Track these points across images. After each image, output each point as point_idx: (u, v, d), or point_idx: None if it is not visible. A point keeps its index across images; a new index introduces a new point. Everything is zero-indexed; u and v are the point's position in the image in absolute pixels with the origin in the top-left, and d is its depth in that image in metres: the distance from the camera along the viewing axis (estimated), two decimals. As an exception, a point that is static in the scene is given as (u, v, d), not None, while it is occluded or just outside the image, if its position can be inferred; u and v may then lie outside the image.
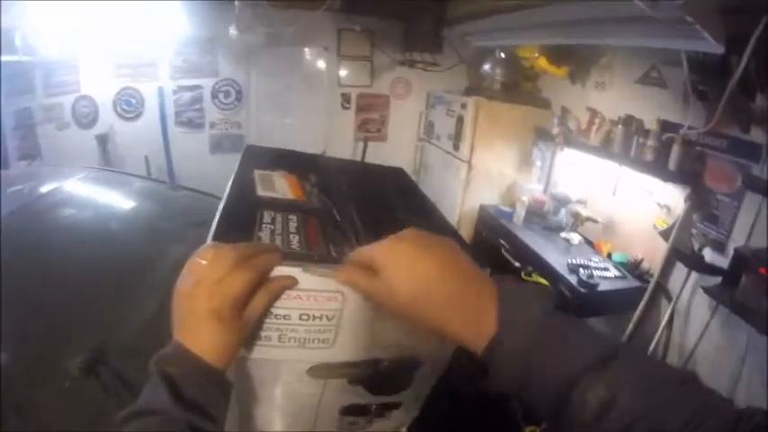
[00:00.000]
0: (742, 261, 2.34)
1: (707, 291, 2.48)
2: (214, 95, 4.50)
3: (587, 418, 0.47)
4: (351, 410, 0.81)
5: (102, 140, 4.37)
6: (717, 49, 1.99)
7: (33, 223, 1.82)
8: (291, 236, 0.71)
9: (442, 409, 1.02)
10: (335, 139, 4.77)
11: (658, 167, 2.88)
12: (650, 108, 3.05)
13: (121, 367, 1.19)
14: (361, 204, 0.87)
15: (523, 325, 0.51)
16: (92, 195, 2.35)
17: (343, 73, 4.68)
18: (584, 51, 3.45)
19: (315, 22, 4.26)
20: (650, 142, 2.95)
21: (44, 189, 2.18)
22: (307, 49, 4.49)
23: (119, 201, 2.40)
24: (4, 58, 3.62)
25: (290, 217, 0.76)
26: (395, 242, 0.58)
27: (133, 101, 4.39)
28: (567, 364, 0.49)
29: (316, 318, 0.64)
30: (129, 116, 4.42)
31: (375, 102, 4.82)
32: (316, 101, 4.62)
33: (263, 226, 0.72)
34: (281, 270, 0.61)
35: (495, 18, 2.99)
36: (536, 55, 3.45)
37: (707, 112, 2.64)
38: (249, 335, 0.63)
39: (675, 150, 2.78)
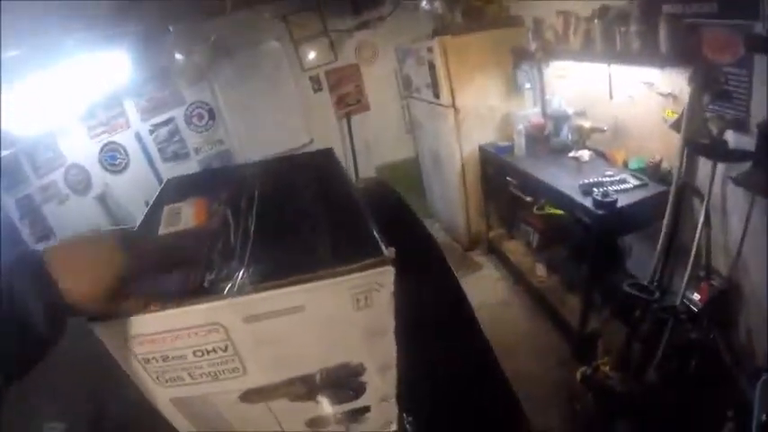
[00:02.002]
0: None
1: (736, 181, 2.08)
2: (188, 122, 4.29)
3: None
4: (318, 422, 0.79)
5: (102, 200, 4.28)
6: None
7: None
8: (174, 274, 0.64)
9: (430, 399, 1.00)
10: (318, 124, 4.48)
11: (649, 55, 2.44)
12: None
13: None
14: (268, 210, 0.80)
15: None
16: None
17: (304, 57, 4.31)
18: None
19: (256, 18, 3.92)
20: (633, 28, 2.49)
21: None
22: (259, 47, 4.14)
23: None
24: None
25: (178, 251, 0.71)
26: None
27: (117, 154, 4.25)
28: None
29: (210, 352, 0.62)
30: (118, 169, 4.29)
31: (345, 74, 4.46)
32: (285, 93, 4.31)
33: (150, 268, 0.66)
34: (152, 317, 0.58)
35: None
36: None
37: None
38: (164, 377, 0.64)
39: (663, 29, 2.33)
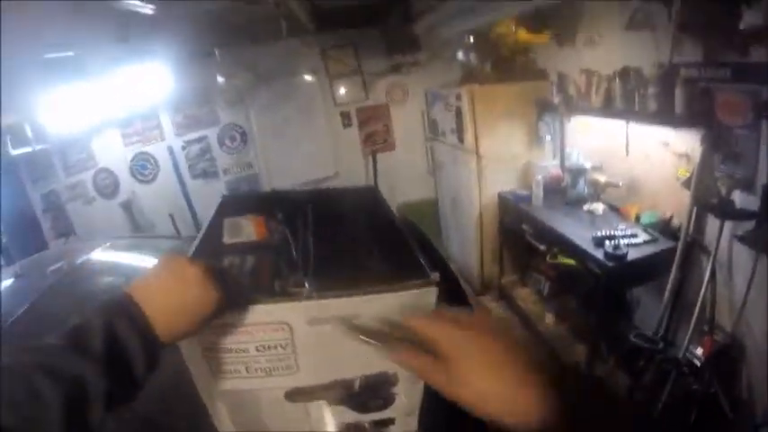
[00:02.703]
0: (772, 198, 2.05)
1: (741, 239, 2.19)
2: (221, 142, 4.57)
3: None
4: (346, 429, 0.84)
5: (127, 207, 4.54)
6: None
7: (64, 297, 1.91)
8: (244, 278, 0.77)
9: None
10: (345, 158, 4.71)
11: (665, 115, 2.61)
12: (645, 54, 2.76)
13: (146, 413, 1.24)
14: (323, 232, 0.91)
15: (572, 417, 0.51)
16: (119, 261, 2.48)
17: (337, 92, 4.60)
18: (560, 11, 3.20)
19: (296, 50, 4.24)
20: (651, 90, 2.68)
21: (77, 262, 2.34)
22: (296, 78, 4.44)
23: (142, 262, 2.48)
24: (20, 150, 3.80)
25: (247, 258, 0.82)
26: (468, 331, 0.56)
27: (147, 164, 4.53)
28: None
29: (271, 348, 0.70)
30: (146, 179, 4.57)
31: (375, 113, 4.72)
32: (317, 125, 4.57)
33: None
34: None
35: (449, 3, 2.80)
36: (514, 28, 3.22)
37: (702, 45, 2.37)
38: (222, 369, 0.72)
39: (679, 92, 2.50)
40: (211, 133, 4.54)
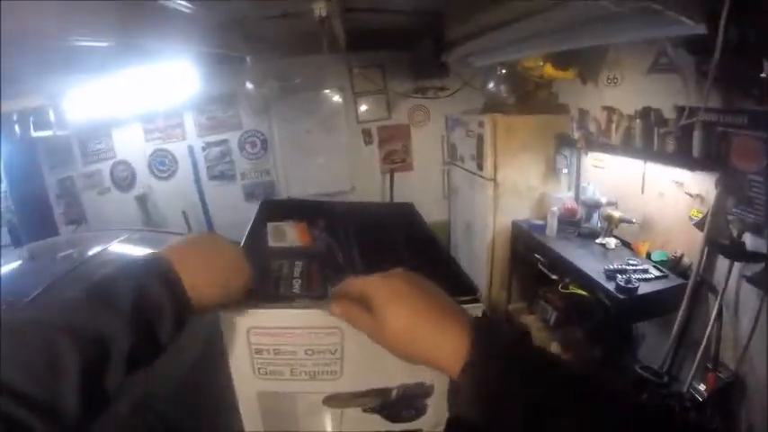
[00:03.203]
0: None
1: (750, 280, 2.33)
2: (241, 147, 4.72)
3: None
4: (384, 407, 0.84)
5: (142, 201, 4.65)
6: (698, 29, 1.92)
7: (80, 285, 1.93)
8: (294, 280, 0.79)
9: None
10: (362, 174, 4.86)
11: (683, 157, 2.77)
12: (667, 96, 2.93)
13: (165, 412, 1.28)
14: (365, 244, 0.93)
15: (495, 352, 0.54)
16: (134, 255, 2.50)
17: (360, 109, 4.79)
18: (587, 50, 3.40)
19: (325, 66, 4.41)
20: (670, 131, 2.85)
21: (91, 252, 2.38)
22: (322, 92, 4.64)
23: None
24: (41, 133, 3.93)
25: (296, 263, 0.83)
26: (385, 278, 0.62)
27: (166, 161, 4.66)
28: (534, 389, 0.51)
29: (320, 352, 0.71)
30: (164, 175, 4.69)
31: (396, 133, 4.89)
32: (338, 140, 4.73)
33: (272, 273, 0.79)
34: (283, 312, 0.69)
35: (486, 36, 2.99)
36: (541, 63, 3.42)
37: (723, 92, 2.55)
38: (266, 370, 0.73)
39: (697, 136, 2.66)
40: (233, 137, 4.69)
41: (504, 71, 3.97)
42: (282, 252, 0.87)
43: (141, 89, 4.08)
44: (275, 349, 0.71)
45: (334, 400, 0.77)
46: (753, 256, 2.38)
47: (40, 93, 3.65)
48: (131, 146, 4.63)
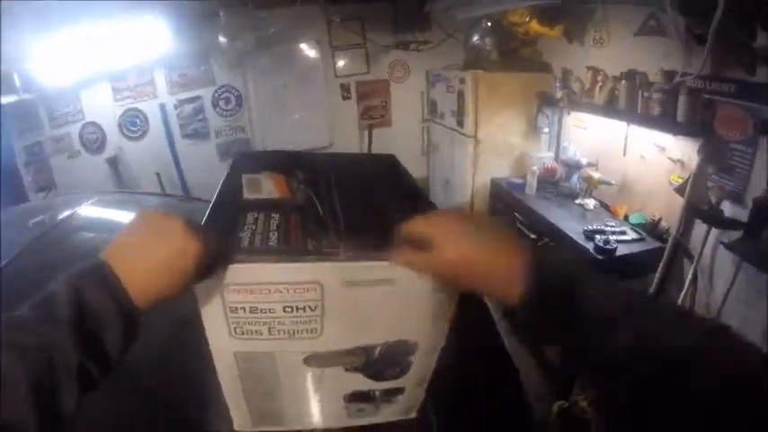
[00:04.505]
0: (762, 211, 2.21)
1: (728, 246, 2.35)
2: (215, 104, 4.51)
3: (621, 358, 0.55)
4: (355, 397, 0.84)
5: (113, 163, 4.45)
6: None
7: (51, 250, 1.83)
8: (271, 233, 0.71)
9: (453, 391, 1.05)
10: (340, 130, 4.72)
11: (666, 121, 2.75)
12: (653, 59, 2.88)
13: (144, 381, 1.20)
14: (346, 195, 0.87)
15: (557, 273, 0.60)
16: (106, 217, 2.35)
17: (338, 63, 4.60)
18: (575, 8, 3.28)
19: (302, 18, 4.20)
20: (655, 95, 2.80)
21: (61, 216, 2.22)
22: (299, 45, 4.41)
23: (128, 218, 2.42)
24: (6, 98, 3.68)
25: (273, 215, 0.76)
26: (442, 217, 0.67)
27: (137, 120, 4.44)
28: (602, 305, 0.57)
29: (299, 309, 0.67)
30: (135, 136, 4.48)
31: (375, 88, 4.74)
32: (315, 95, 4.55)
33: (246, 227, 0.72)
34: (258, 266, 0.64)
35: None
36: (527, 19, 3.29)
37: (712, 59, 2.49)
38: (243, 329, 0.69)
39: (682, 101, 2.64)
40: (206, 94, 4.47)
41: (489, 24, 3.81)
42: (258, 204, 0.81)
43: (109, 47, 3.86)
44: (252, 307, 0.67)
45: (315, 360, 0.75)
46: (730, 224, 2.40)
47: (4, 56, 3.39)
48: (101, 107, 4.36)
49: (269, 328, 0.69)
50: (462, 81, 3.89)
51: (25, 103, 3.97)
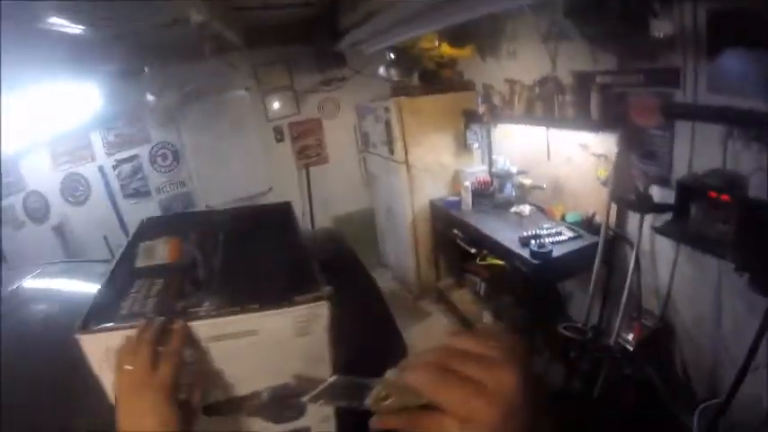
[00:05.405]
0: (687, 191, 1.98)
1: (659, 230, 2.12)
2: (152, 161, 4.12)
3: None
4: None
5: (60, 231, 4.02)
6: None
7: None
8: (150, 299, 0.71)
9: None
10: (278, 173, 4.35)
11: (583, 120, 2.55)
12: (563, 63, 2.71)
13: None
14: (230, 252, 0.86)
15: None
16: (52, 288, 2.14)
17: (269, 107, 4.27)
18: (482, 26, 3.07)
19: (227, 68, 3.90)
20: (569, 97, 2.60)
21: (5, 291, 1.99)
22: (228, 95, 4.07)
23: (75, 287, 2.16)
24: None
25: (157, 281, 0.76)
26: (482, 397, 0.38)
27: (79, 186, 4.03)
28: None
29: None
30: (78, 201, 4.06)
31: (307, 127, 4.39)
32: (249, 141, 4.18)
33: (130, 295, 0.72)
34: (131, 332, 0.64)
35: (372, 21, 2.59)
36: (436, 43, 3.05)
37: (616, 54, 2.30)
38: None
39: (594, 99, 2.44)
40: (143, 152, 4.07)
41: (392, 55, 3.56)
42: (147, 271, 0.80)
43: (42, 114, 3.50)
44: None
45: (212, 410, 0.72)
46: (659, 207, 2.19)
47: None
48: (41, 174, 3.94)
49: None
50: (387, 110, 3.63)
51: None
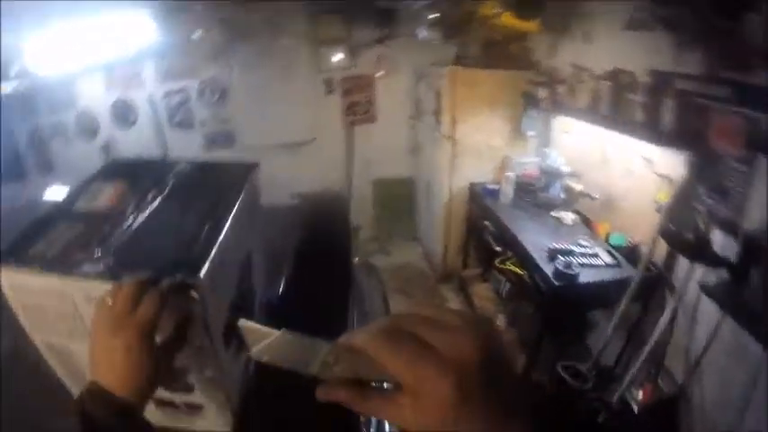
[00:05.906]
0: (755, 248, 1.57)
1: (705, 289, 1.72)
2: (200, 95, 4.03)
3: None
4: (162, 403, 0.81)
5: (105, 150, 4.09)
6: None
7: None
8: (57, 245, 0.71)
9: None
10: (324, 125, 4.15)
11: (651, 128, 2.09)
12: (640, 57, 2.20)
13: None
14: (160, 208, 0.82)
15: None
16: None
17: (323, 58, 3.99)
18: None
19: (287, 12, 3.65)
20: (640, 98, 2.14)
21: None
22: (282, 39, 3.84)
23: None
24: (6, 85, 3.39)
25: (77, 226, 0.76)
26: (440, 364, 0.34)
27: (128, 110, 4.05)
28: None
29: (69, 318, 0.69)
30: (125, 125, 4.09)
31: (359, 83, 4.10)
32: (298, 89, 3.99)
33: (47, 236, 0.73)
34: (27, 276, 0.66)
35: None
36: (498, 11, 2.62)
37: (704, 55, 1.83)
38: (39, 326, 0.72)
39: (668, 105, 1.97)
40: (192, 85, 4.01)
41: (433, 16, 3.10)
42: (76, 215, 0.80)
43: (100, 39, 3.44)
44: (37, 307, 0.69)
45: None
46: (716, 260, 1.75)
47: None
48: (93, 96, 4.00)
49: (55, 328, 0.71)
50: (440, 78, 3.27)
51: (23, 91, 3.63)
